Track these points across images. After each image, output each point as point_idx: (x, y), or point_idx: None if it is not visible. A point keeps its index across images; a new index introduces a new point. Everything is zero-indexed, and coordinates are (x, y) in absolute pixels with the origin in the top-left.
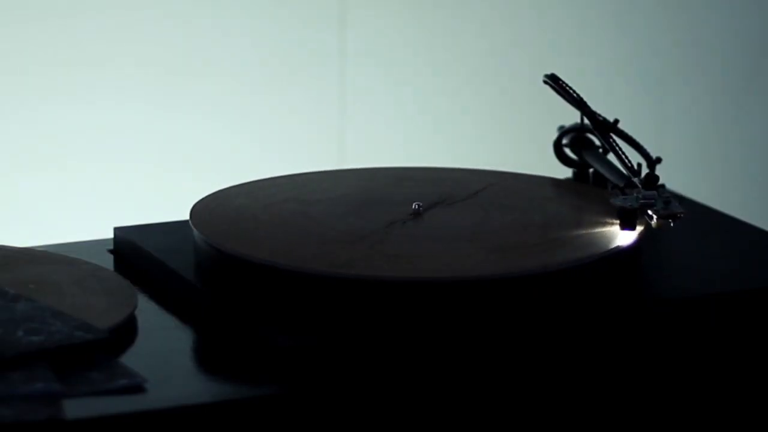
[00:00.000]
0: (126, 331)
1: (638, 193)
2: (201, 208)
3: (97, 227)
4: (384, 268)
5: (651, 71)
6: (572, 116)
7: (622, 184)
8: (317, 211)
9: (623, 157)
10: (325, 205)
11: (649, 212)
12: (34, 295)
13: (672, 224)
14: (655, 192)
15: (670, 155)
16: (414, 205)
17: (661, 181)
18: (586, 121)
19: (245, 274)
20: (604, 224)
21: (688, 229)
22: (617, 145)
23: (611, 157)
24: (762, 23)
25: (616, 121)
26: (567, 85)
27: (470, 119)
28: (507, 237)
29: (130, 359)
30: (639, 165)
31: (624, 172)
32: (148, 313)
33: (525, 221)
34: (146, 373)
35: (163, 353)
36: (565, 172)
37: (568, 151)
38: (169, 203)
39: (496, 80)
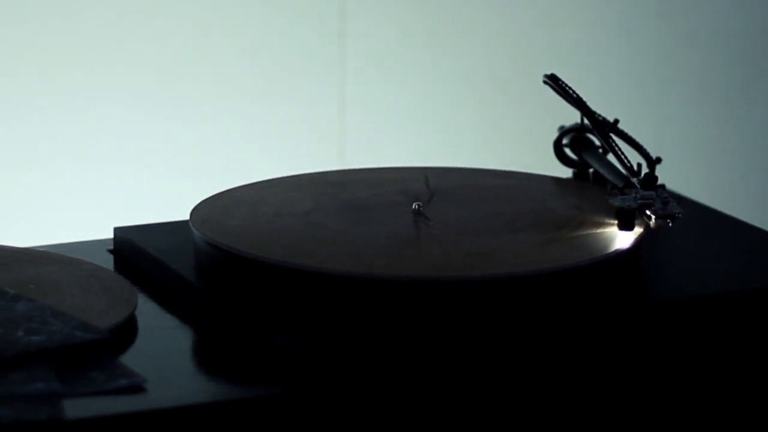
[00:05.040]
0: (126, 331)
1: (637, 193)
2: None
3: (97, 227)
4: (477, 268)
5: (651, 71)
6: (572, 116)
7: (621, 185)
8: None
9: (622, 157)
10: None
11: (648, 212)
12: (34, 295)
13: (670, 224)
14: (653, 192)
15: (670, 155)
16: (414, 206)
17: (660, 181)
18: (586, 121)
19: (245, 273)
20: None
21: (688, 229)
22: (617, 145)
23: (611, 157)
24: (762, 23)
25: (616, 121)
26: (567, 85)
27: (470, 119)
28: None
29: (130, 359)
30: (639, 165)
31: (623, 172)
32: (148, 313)
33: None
34: (146, 373)
35: (163, 353)
36: (565, 172)
37: (568, 151)
38: (169, 203)
39: (496, 80)
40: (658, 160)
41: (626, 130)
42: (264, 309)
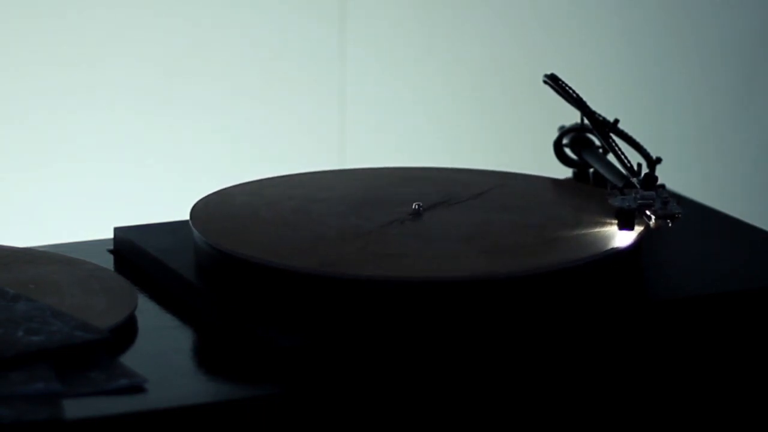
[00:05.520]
0: (126, 331)
1: (636, 193)
2: (201, 208)
3: (97, 227)
4: (372, 267)
5: (651, 71)
6: (572, 116)
7: (621, 185)
8: (318, 210)
9: (622, 157)
10: (327, 204)
11: (647, 212)
12: (34, 295)
13: (670, 224)
14: (653, 192)
15: (670, 155)
16: (414, 205)
17: (660, 181)
18: (586, 121)
19: (245, 274)
20: (605, 224)
21: (688, 229)
22: (617, 145)
23: (611, 157)
24: (762, 23)
25: (616, 121)
26: (567, 85)
27: (470, 119)
28: (506, 237)
29: (130, 359)
30: (639, 165)
31: (623, 172)
32: (148, 313)
33: (524, 222)
34: (146, 373)
35: (163, 353)
36: (565, 172)
37: (568, 151)
38: (169, 203)
39: (496, 80)
40: (658, 160)
41: (626, 130)
42: (264, 309)
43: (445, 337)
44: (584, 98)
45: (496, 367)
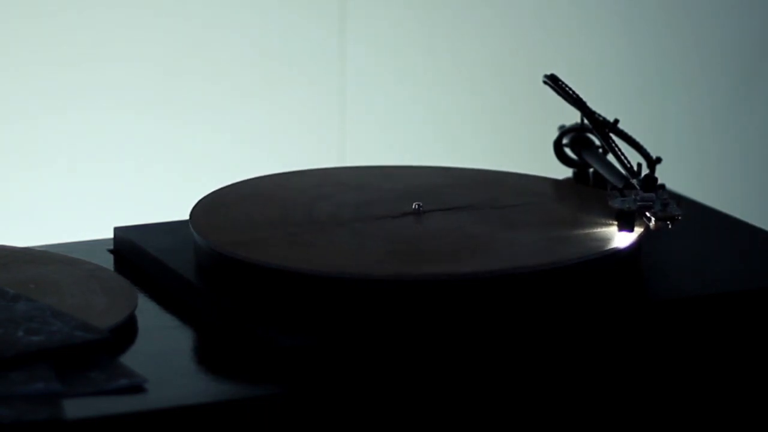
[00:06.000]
0: (126, 331)
1: (636, 195)
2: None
3: (97, 227)
4: (273, 254)
5: (651, 71)
6: (572, 116)
7: (620, 185)
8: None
9: (622, 157)
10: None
11: (647, 214)
12: (34, 295)
13: (670, 226)
14: (653, 194)
15: (670, 155)
16: (414, 205)
17: (661, 181)
18: (586, 121)
19: (245, 274)
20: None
21: (688, 229)
22: (617, 145)
23: (611, 157)
24: (762, 24)
25: (616, 121)
26: (566, 85)
27: (470, 119)
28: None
29: (130, 359)
30: (639, 165)
31: (623, 172)
32: (148, 313)
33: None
34: (146, 373)
35: (163, 353)
36: (565, 172)
37: (568, 151)
38: (169, 203)
39: (496, 80)
40: (658, 160)
41: (626, 130)
42: (264, 309)
43: (444, 335)
44: (584, 98)
45: (496, 366)
